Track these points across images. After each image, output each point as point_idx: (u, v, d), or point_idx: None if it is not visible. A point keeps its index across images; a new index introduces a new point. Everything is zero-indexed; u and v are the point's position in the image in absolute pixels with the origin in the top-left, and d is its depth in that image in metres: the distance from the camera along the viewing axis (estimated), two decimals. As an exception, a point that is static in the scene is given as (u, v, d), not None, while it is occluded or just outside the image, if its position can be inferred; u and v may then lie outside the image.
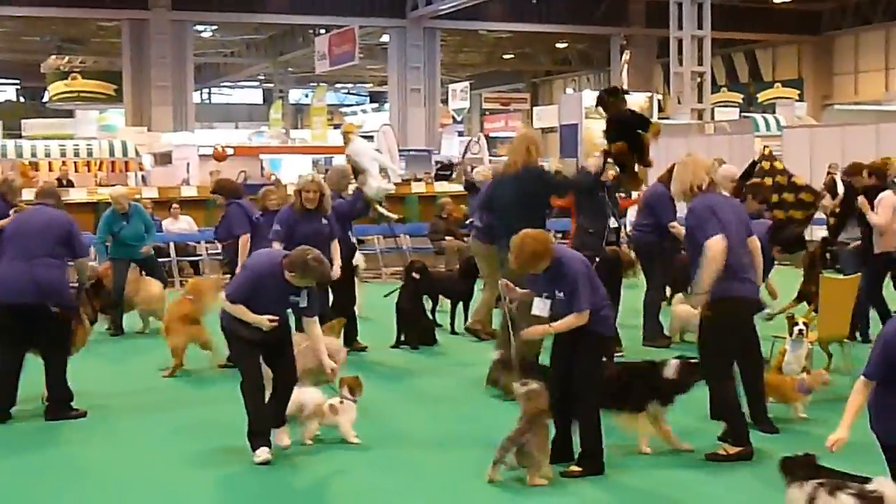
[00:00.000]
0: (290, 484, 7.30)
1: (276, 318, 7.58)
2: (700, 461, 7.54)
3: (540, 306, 7.34)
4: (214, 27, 54.90)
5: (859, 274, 11.14)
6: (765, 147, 14.92)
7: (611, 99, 11.18)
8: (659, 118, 34.01)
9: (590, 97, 31.43)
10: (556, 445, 7.36)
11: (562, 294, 7.20)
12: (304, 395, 8.05)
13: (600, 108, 11.39)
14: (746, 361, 8.14)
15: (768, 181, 11.90)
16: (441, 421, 8.95)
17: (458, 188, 22.54)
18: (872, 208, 11.47)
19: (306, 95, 66.32)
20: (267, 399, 7.79)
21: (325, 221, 10.36)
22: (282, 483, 7.28)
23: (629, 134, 10.70)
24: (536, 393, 7.02)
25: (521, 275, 7.56)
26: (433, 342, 12.29)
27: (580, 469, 7.28)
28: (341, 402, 8.00)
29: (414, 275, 12.44)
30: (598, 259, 10.22)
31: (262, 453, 7.57)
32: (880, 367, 5.64)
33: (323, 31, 47.48)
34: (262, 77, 69.66)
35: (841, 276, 11.35)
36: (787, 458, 5.80)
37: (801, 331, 9.34)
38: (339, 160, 45.05)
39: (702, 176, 7.64)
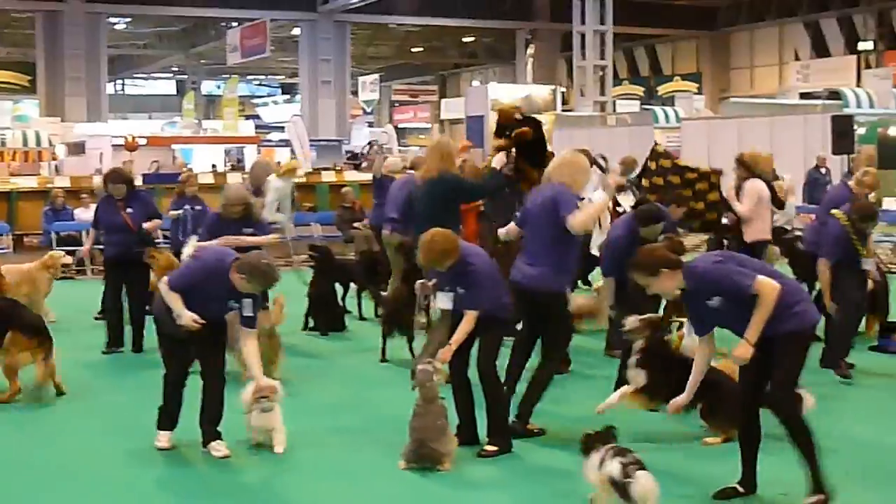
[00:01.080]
0: (218, 477, 7.17)
1: (201, 322, 7.25)
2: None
3: (443, 300, 7.59)
4: (128, 19, 54.89)
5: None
6: (656, 144, 15.51)
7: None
8: (563, 110, 35.02)
9: (496, 90, 32.48)
10: (462, 429, 7.55)
11: (463, 292, 7.43)
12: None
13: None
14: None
15: (659, 180, 12.19)
16: (353, 405, 9.06)
17: (367, 177, 23.33)
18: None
19: (218, 87, 66.41)
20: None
21: (250, 229, 10.14)
22: (210, 477, 7.18)
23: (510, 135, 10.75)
24: (430, 375, 7.14)
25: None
26: (342, 328, 12.52)
27: (495, 448, 7.43)
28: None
29: (312, 252, 12.82)
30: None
31: (163, 438, 7.60)
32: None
33: (235, 23, 47.76)
34: (176, 69, 69.45)
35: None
36: (588, 434, 6.10)
37: None
38: (250, 150, 45.80)
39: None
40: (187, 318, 7.24)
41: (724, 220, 12.14)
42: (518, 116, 10.99)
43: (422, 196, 9.94)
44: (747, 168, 11.95)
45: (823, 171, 20.31)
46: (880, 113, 26.69)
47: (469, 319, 7.39)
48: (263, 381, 7.52)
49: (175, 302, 7.32)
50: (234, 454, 7.44)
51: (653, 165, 12.51)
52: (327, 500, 6.79)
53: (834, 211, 9.99)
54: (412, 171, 12.26)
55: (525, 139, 10.66)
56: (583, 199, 9.06)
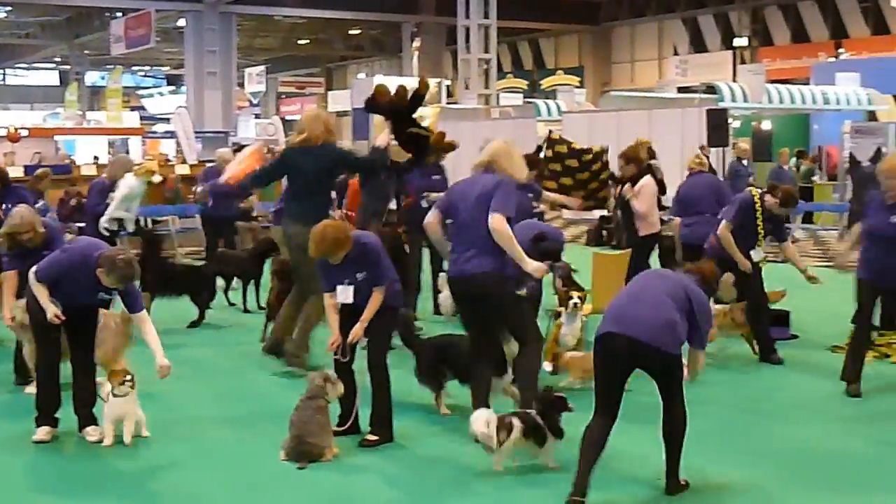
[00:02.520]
0: (89, 464, 7.19)
1: (62, 318, 7.37)
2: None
3: (344, 294, 7.46)
4: (9, 8, 53.90)
5: (630, 250, 11.69)
6: (550, 132, 15.83)
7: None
8: (448, 103, 35.47)
9: (381, 82, 32.68)
10: (344, 418, 7.60)
11: (364, 274, 7.40)
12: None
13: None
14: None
15: (556, 166, 12.50)
16: (231, 399, 9.04)
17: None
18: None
19: (103, 78, 65.48)
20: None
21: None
22: (81, 464, 7.22)
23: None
24: (324, 380, 7.18)
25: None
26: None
27: (376, 438, 7.46)
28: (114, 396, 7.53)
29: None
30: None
31: (41, 433, 7.61)
32: None
33: (120, 13, 47.17)
34: (59, 59, 68.35)
35: (613, 252, 11.66)
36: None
37: (575, 304, 9.58)
38: (134, 142, 45.35)
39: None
40: (50, 312, 7.36)
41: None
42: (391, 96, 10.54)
43: (301, 164, 9.52)
44: (638, 163, 12.11)
45: (745, 162, 20.96)
46: (754, 107, 27.57)
47: (377, 296, 7.43)
48: (165, 361, 7.49)
49: (41, 294, 7.43)
50: (113, 442, 7.49)
51: (549, 153, 12.84)
52: (203, 488, 6.76)
53: (752, 188, 10.35)
54: None
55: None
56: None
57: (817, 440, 7.78)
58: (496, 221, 7.29)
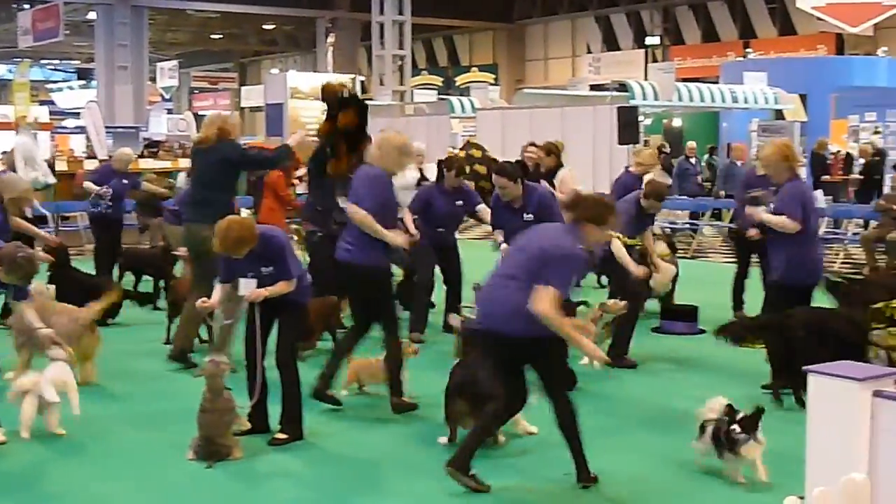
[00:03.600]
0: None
1: None
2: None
3: (246, 286, 7.42)
4: None
5: None
6: (467, 140, 15.93)
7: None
8: (362, 99, 35.40)
9: (295, 78, 32.59)
10: (254, 415, 7.60)
11: (270, 269, 7.36)
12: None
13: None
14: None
15: (465, 167, 12.80)
16: (138, 397, 9.02)
17: (165, 164, 23.35)
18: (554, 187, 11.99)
19: (10, 71, 64.26)
20: None
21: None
22: None
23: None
24: (218, 367, 7.14)
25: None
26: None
27: (286, 436, 7.48)
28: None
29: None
30: (321, 234, 11.02)
31: None
32: None
33: (27, 5, 46.44)
34: (-37, 51, 67.08)
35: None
36: None
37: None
38: (44, 137, 44.51)
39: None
40: None
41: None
42: (344, 94, 11.06)
43: (197, 164, 9.83)
44: (558, 156, 12.51)
45: (693, 160, 21.13)
46: (664, 105, 27.88)
47: (284, 285, 7.39)
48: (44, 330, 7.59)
49: None
50: (15, 440, 7.39)
51: (462, 154, 12.97)
52: (109, 488, 6.70)
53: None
54: None
55: (350, 126, 10.68)
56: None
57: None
58: (349, 208, 8.18)
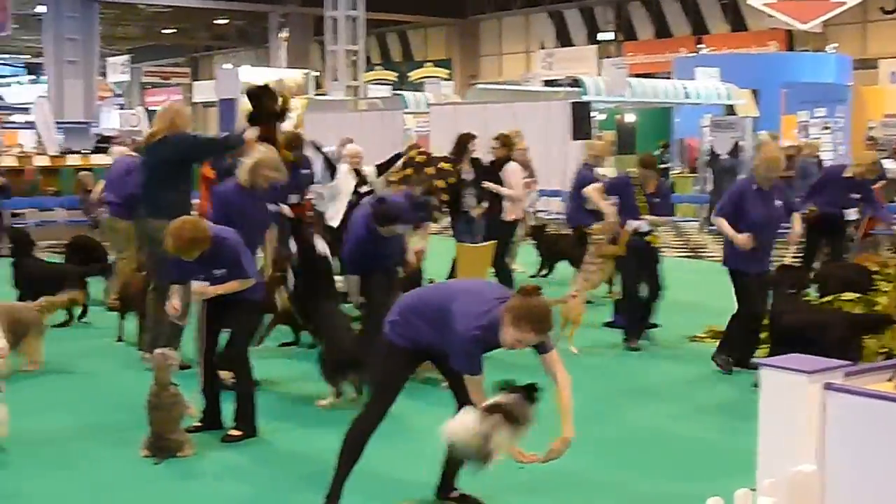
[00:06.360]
0: None
1: None
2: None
3: (199, 287, 7.37)
4: None
5: (494, 241, 11.81)
6: (413, 146, 15.92)
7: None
8: (316, 94, 35.28)
9: (247, 73, 32.41)
10: (206, 413, 7.59)
11: (223, 271, 7.26)
12: None
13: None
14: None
15: (409, 171, 12.35)
16: (88, 396, 8.94)
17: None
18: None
19: (-43, 66, 63.67)
20: None
21: None
22: None
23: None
24: (165, 359, 7.08)
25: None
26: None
27: (240, 433, 7.43)
28: None
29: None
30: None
31: None
32: None
33: (-26, -1, 45.97)
34: None
35: (475, 244, 11.77)
36: None
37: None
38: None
39: None
40: None
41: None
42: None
43: (148, 159, 9.71)
44: (509, 148, 12.50)
45: (667, 156, 21.18)
46: (617, 101, 28.01)
47: (236, 284, 7.32)
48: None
49: None
50: None
51: (404, 158, 12.91)
52: (57, 487, 6.63)
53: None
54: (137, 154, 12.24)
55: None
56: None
57: (668, 427, 7.98)
58: None
